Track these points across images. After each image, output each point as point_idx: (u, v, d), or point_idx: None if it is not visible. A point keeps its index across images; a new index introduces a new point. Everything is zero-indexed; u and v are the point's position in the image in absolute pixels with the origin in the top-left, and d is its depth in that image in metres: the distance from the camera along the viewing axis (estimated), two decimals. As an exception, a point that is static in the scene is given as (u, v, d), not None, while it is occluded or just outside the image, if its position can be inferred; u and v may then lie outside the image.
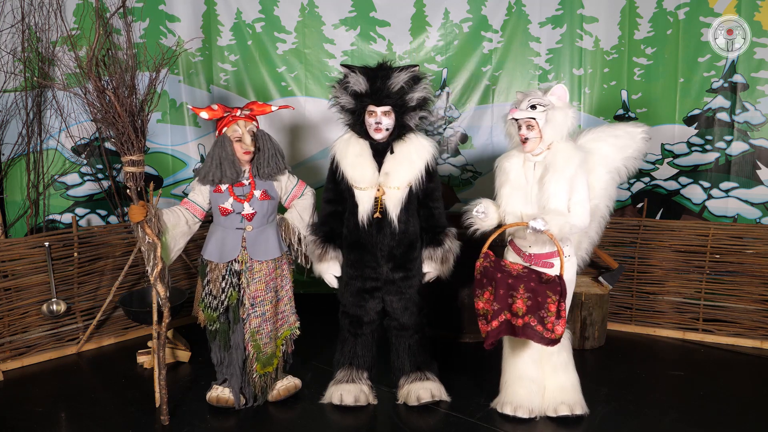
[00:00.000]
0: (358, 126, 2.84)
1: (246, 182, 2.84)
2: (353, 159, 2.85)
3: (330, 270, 2.94)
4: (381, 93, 2.74)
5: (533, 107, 2.62)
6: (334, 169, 2.90)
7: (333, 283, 2.97)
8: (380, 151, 2.85)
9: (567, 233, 2.61)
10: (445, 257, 2.92)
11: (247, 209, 2.81)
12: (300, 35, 4.33)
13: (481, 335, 3.93)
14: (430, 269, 2.97)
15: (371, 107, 2.77)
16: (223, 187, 2.81)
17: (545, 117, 2.60)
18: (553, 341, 2.52)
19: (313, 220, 3.05)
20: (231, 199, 2.80)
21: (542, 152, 2.67)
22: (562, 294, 2.51)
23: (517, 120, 2.66)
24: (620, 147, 2.81)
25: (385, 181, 2.82)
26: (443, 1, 4.31)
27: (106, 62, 2.58)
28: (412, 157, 2.85)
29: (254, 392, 2.95)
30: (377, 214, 2.82)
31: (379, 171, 2.83)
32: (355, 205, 2.85)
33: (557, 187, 2.59)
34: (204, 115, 2.75)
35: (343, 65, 2.86)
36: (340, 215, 2.94)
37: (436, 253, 2.92)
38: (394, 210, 2.83)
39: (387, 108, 2.76)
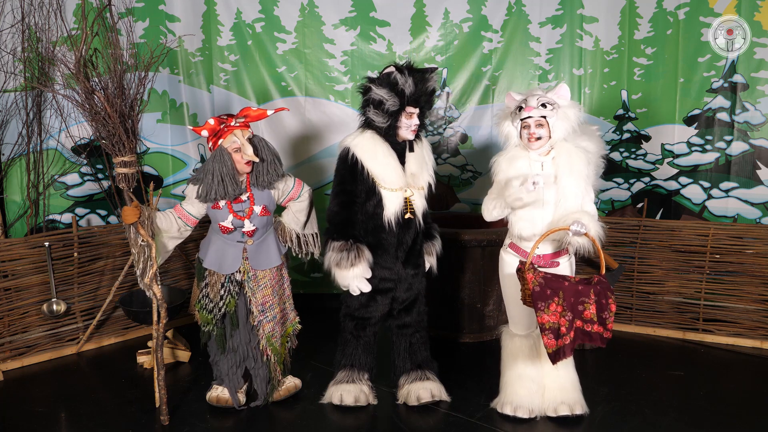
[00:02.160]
0: (392, 127, 2.79)
1: (244, 197, 2.76)
2: (383, 159, 2.80)
3: (364, 274, 2.78)
4: (421, 94, 2.78)
5: (544, 105, 2.61)
6: (360, 169, 2.78)
7: (367, 287, 2.82)
8: (399, 152, 2.85)
9: (599, 231, 2.58)
10: (438, 250, 3.04)
11: (248, 226, 2.76)
12: (300, 35, 4.33)
13: (478, 337, 3.93)
14: (429, 263, 3.05)
15: (410, 108, 2.77)
16: (222, 203, 2.73)
17: (555, 115, 2.61)
18: (609, 339, 2.49)
19: (313, 223, 3.03)
20: (231, 217, 2.74)
21: (549, 151, 2.66)
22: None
23: (524, 119, 2.63)
24: (596, 143, 2.87)
25: (413, 182, 2.84)
26: (443, 1, 4.31)
27: (94, 63, 2.56)
28: (425, 158, 2.91)
29: (269, 387, 2.96)
30: (408, 215, 2.83)
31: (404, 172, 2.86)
32: (380, 207, 2.81)
33: (577, 188, 2.60)
34: (204, 134, 2.68)
35: (394, 65, 2.79)
36: (357, 216, 2.85)
37: (434, 246, 3.02)
38: (420, 210, 2.87)
39: (419, 109, 2.81)
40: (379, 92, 2.72)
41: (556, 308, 2.48)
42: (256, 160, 2.68)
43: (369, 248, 2.85)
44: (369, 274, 2.80)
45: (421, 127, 2.87)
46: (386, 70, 2.76)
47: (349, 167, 2.79)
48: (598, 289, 2.50)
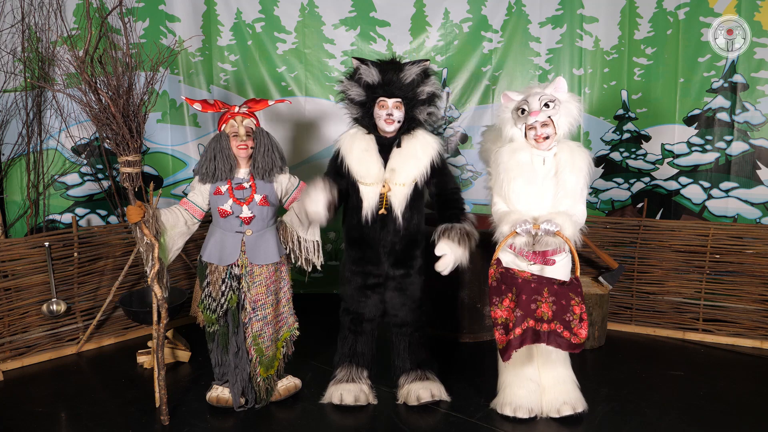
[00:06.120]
0: (366, 119, 2.85)
1: (247, 185, 2.82)
2: (359, 154, 2.84)
3: (317, 199, 2.61)
4: (393, 84, 2.78)
5: (547, 105, 2.60)
6: (339, 164, 2.88)
7: (319, 214, 2.63)
8: (386, 147, 2.85)
9: (575, 233, 2.59)
10: (463, 237, 2.68)
11: (246, 212, 2.80)
12: (300, 35, 4.33)
13: (477, 337, 3.93)
14: (445, 251, 2.65)
15: (382, 99, 2.79)
16: (224, 188, 2.80)
17: (559, 112, 2.61)
18: (579, 346, 2.46)
19: (315, 229, 3.00)
20: (230, 201, 2.79)
21: (553, 147, 2.66)
22: (583, 296, 2.51)
23: (528, 123, 2.62)
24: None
25: (391, 178, 2.81)
26: (443, 1, 4.31)
27: (102, 61, 2.55)
28: (418, 154, 2.85)
29: (258, 395, 2.95)
30: (383, 211, 2.82)
31: (385, 167, 2.83)
32: (360, 201, 2.84)
33: (577, 185, 2.60)
34: (197, 107, 2.76)
35: (355, 58, 2.87)
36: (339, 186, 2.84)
37: (452, 231, 2.69)
38: (399, 207, 2.82)
39: (398, 100, 2.79)
40: (345, 84, 2.85)
41: (509, 304, 2.50)
42: (246, 142, 2.77)
43: (354, 243, 2.91)
44: (320, 205, 2.62)
45: (413, 121, 2.85)
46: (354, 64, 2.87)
47: (333, 160, 2.92)
48: (555, 289, 2.49)
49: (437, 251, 2.68)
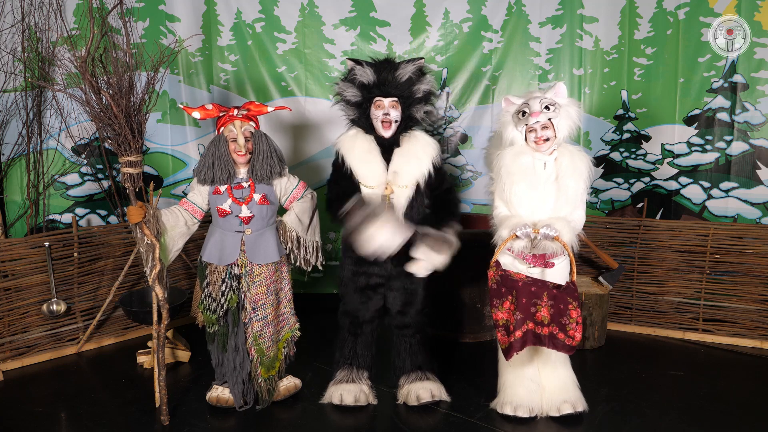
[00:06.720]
0: (363, 120, 2.84)
1: (245, 185, 2.82)
2: (361, 155, 2.82)
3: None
4: (389, 83, 2.77)
5: (547, 108, 2.61)
6: (341, 165, 2.85)
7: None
8: (386, 148, 2.84)
9: (573, 238, 2.62)
10: (439, 245, 2.69)
11: (245, 212, 2.80)
12: (300, 35, 4.33)
13: (478, 337, 3.93)
14: (420, 255, 2.70)
15: (378, 99, 2.78)
16: (222, 188, 2.79)
17: (559, 115, 2.61)
18: (574, 348, 2.52)
19: (315, 230, 3.00)
20: (229, 201, 2.79)
21: (554, 151, 2.67)
22: (579, 300, 2.55)
23: (529, 124, 2.63)
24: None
25: (394, 180, 2.81)
26: (443, 1, 4.31)
27: (103, 61, 2.55)
28: (419, 154, 2.84)
29: (260, 396, 2.95)
30: None
31: (386, 168, 2.82)
32: None
33: (577, 190, 2.61)
34: (196, 114, 2.73)
35: (350, 59, 2.87)
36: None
37: (429, 235, 2.69)
38: (401, 209, 2.82)
39: (394, 99, 2.79)
40: (341, 86, 2.84)
41: (509, 306, 2.55)
42: (244, 151, 2.75)
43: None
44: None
45: (410, 120, 2.85)
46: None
47: (336, 164, 2.87)
48: (554, 293, 2.53)
49: (415, 254, 2.72)
